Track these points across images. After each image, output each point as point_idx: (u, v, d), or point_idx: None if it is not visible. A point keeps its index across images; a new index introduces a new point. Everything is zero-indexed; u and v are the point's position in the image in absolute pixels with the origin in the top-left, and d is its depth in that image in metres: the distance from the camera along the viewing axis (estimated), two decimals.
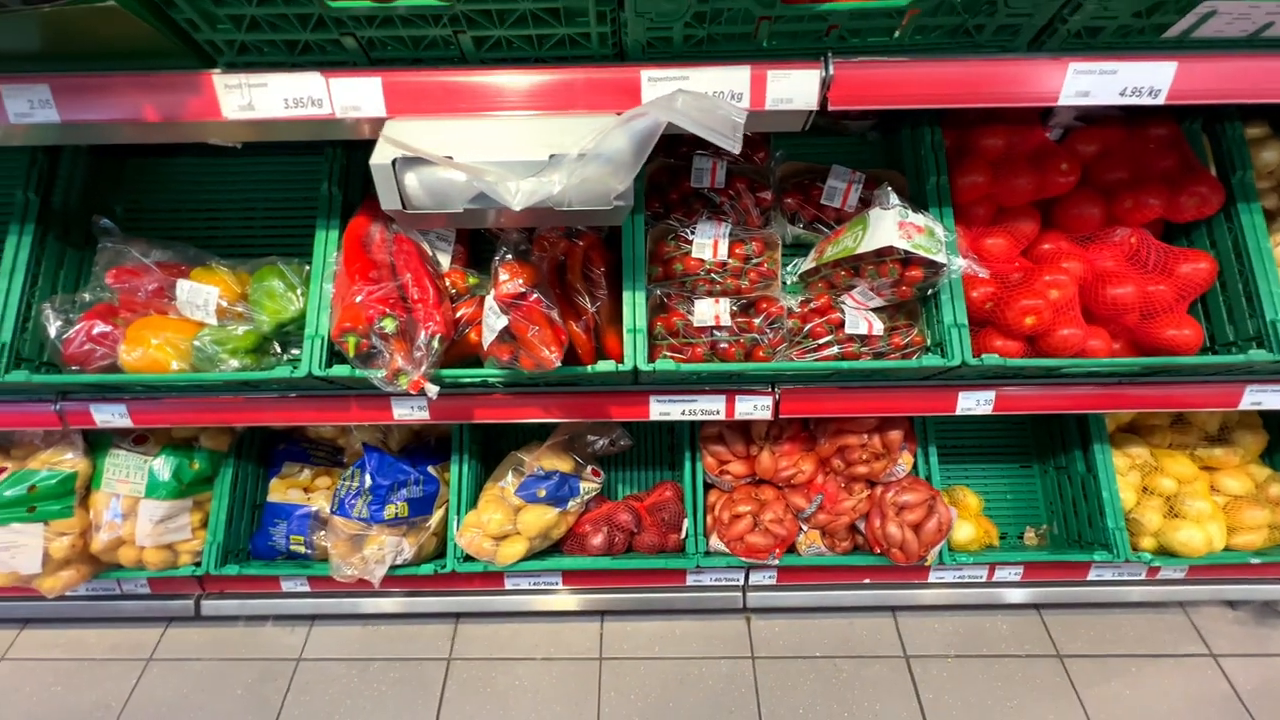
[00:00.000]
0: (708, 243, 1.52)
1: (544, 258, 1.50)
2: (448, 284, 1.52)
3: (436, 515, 1.94)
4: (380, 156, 1.09)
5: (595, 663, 2.24)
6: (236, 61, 1.13)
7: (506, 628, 2.31)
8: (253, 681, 2.17)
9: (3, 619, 2.29)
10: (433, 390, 1.32)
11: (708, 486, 2.02)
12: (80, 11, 0.97)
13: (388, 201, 1.13)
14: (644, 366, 1.39)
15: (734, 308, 1.51)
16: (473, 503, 1.95)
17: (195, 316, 1.49)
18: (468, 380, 1.47)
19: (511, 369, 1.37)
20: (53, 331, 1.46)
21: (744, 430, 1.90)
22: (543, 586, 2.07)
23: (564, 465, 1.92)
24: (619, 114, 1.12)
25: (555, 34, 1.08)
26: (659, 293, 1.55)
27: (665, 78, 1.12)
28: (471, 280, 1.56)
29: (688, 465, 1.95)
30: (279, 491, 2.02)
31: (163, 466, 1.84)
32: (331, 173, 1.51)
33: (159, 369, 1.45)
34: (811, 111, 1.14)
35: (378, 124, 1.16)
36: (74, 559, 1.81)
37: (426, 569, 1.89)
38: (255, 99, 1.12)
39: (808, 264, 1.58)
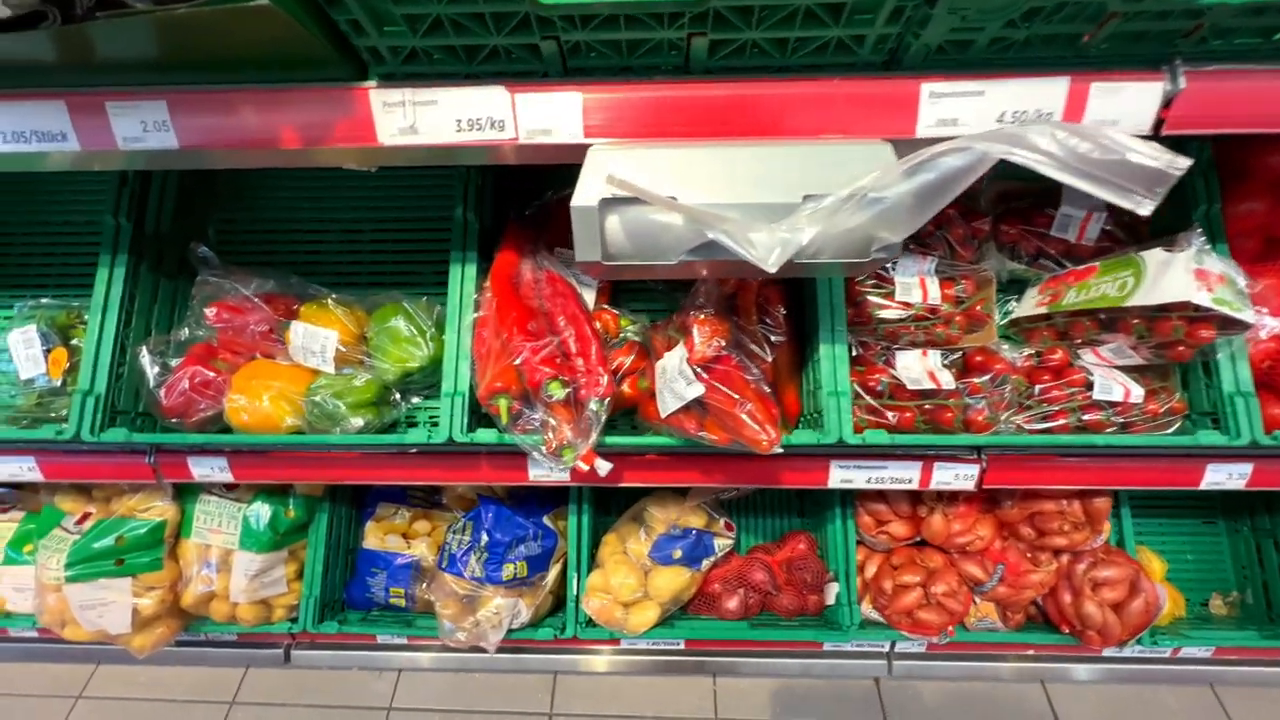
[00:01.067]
0: (913, 281, 1.25)
1: (710, 297, 1.26)
2: (599, 327, 1.29)
3: (553, 572, 1.73)
4: (585, 197, 0.85)
5: None
6: (396, 73, 0.89)
7: (608, 681, 2.12)
8: None
9: (77, 656, 2.17)
10: (605, 468, 1.10)
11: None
12: (222, 13, 0.74)
13: (586, 251, 0.88)
14: (851, 439, 1.15)
15: (944, 361, 1.25)
16: (591, 557, 1.74)
17: (309, 363, 1.28)
18: (626, 447, 1.24)
19: (693, 441, 1.14)
20: (151, 379, 1.26)
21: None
22: (661, 648, 1.86)
23: (698, 520, 1.70)
24: (884, 140, 0.86)
25: (820, 37, 0.82)
26: (849, 341, 1.30)
27: (951, 92, 0.85)
28: (625, 323, 1.32)
29: (838, 523, 1.71)
30: (376, 537, 1.83)
31: (258, 515, 1.65)
32: (466, 195, 1.27)
33: (271, 426, 1.25)
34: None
35: (566, 150, 0.92)
36: (163, 614, 1.65)
37: (545, 633, 1.68)
38: (420, 120, 0.89)
39: (1029, 309, 1.31)
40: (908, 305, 1.25)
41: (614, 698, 2.07)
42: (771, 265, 0.80)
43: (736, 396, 1.01)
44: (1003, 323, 1.39)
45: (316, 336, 1.25)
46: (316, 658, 1.98)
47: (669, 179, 0.86)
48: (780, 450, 0.98)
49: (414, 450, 1.41)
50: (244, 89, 0.90)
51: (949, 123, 0.86)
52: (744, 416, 0.99)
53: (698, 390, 1.04)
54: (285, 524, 1.69)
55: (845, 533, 1.70)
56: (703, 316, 1.08)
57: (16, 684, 2.13)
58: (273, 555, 1.68)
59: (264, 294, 1.34)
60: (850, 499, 1.73)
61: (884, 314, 1.25)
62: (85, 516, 1.65)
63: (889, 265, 1.28)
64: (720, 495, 1.87)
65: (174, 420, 1.29)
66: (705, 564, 1.70)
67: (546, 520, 1.75)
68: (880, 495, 1.67)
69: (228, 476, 1.41)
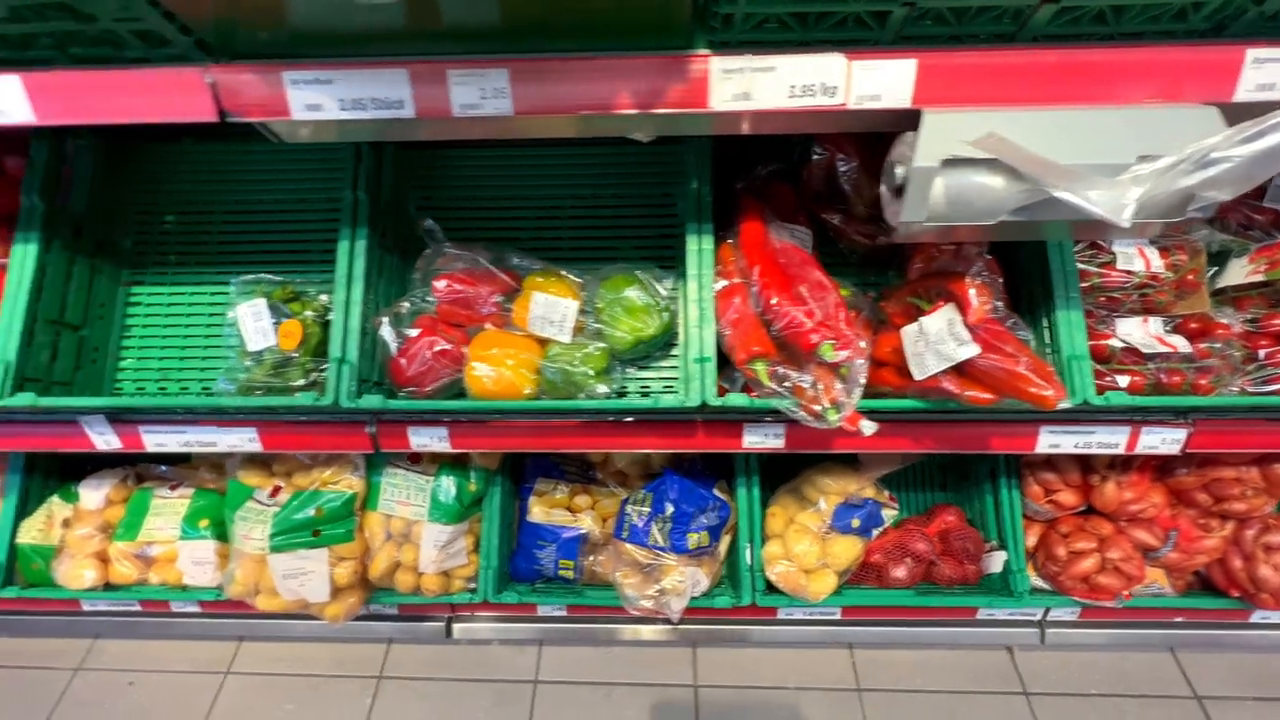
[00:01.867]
0: (1132, 251, 1.30)
1: (939, 262, 1.30)
2: None
3: (724, 542, 1.78)
4: (926, 158, 0.89)
5: (854, 694, 2.08)
6: (732, 40, 0.93)
7: (747, 654, 2.17)
8: (492, 704, 2.06)
9: (221, 635, 2.21)
10: (870, 428, 1.14)
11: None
12: None
13: (913, 212, 0.93)
14: (1094, 400, 1.19)
15: (1166, 328, 1.29)
16: (759, 528, 1.78)
17: (545, 333, 1.32)
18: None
19: (940, 403, 1.18)
20: (394, 349, 1.30)
21: (1081, 457, 1.70)
22: (818, 617, 1.91)
23: (869, 490, 1.74)
24: (1205, 105, 0.90)
25: (1163, 5, 0.86)
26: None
27: (1275, 58, 0.89)
28: (845, 292, 1.36)
29: (1003, 493, 1.75)
30: (541, 510, 1.87)
31: (447, 488, 1.69)
32: (700, 168, 1.31)
33: (514, 393, 1.29)
34: None
35: (890, 117, 0.96)
36: (354, 585, 1.69)
37: (723, 601, 1.73)
38: (755, 86, 0.93)
39: (1239, 277, 1.36)
40: (1129, 274, 1.29)
41: (756, 669, 2.12)
42: (1125, 220, 0.84)
43: (1016, 355, 1.05)
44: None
45: (557, 307, 1.29)
46: (478, 631, 2.03)
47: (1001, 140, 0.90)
48: (1066, 405, 1.02)
49: (630, 419, 1.45)
50: (582, 57, 0.93)
51: (1268, 88, 0.90)
52: (1027, 374, 1.03)
53: (971, 351, 1.08)
54: (469, 496, 1.73)
55: (1010, 503, 1.75)
56: (978, 281, 1.12)
57: (168, 661, 2.17)
58: (458, 527, 1.72)
59: (488, 268, 1.38)
60: (1014, 469, 1.78)
61: (1103, 281, 1.30)
62: (276, 490, 1.69)
63: (1106, 238, 1.33)
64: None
65: (408, 390, 1.33)
66: (875, 534, 1.75)
67: (717, 493, 1.80)
68: (1049, 465, 1.72)
69: (446, 446, 1.45)
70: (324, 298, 1.46)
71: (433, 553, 1.69)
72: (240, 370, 1.42)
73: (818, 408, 1.13)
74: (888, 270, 1.48)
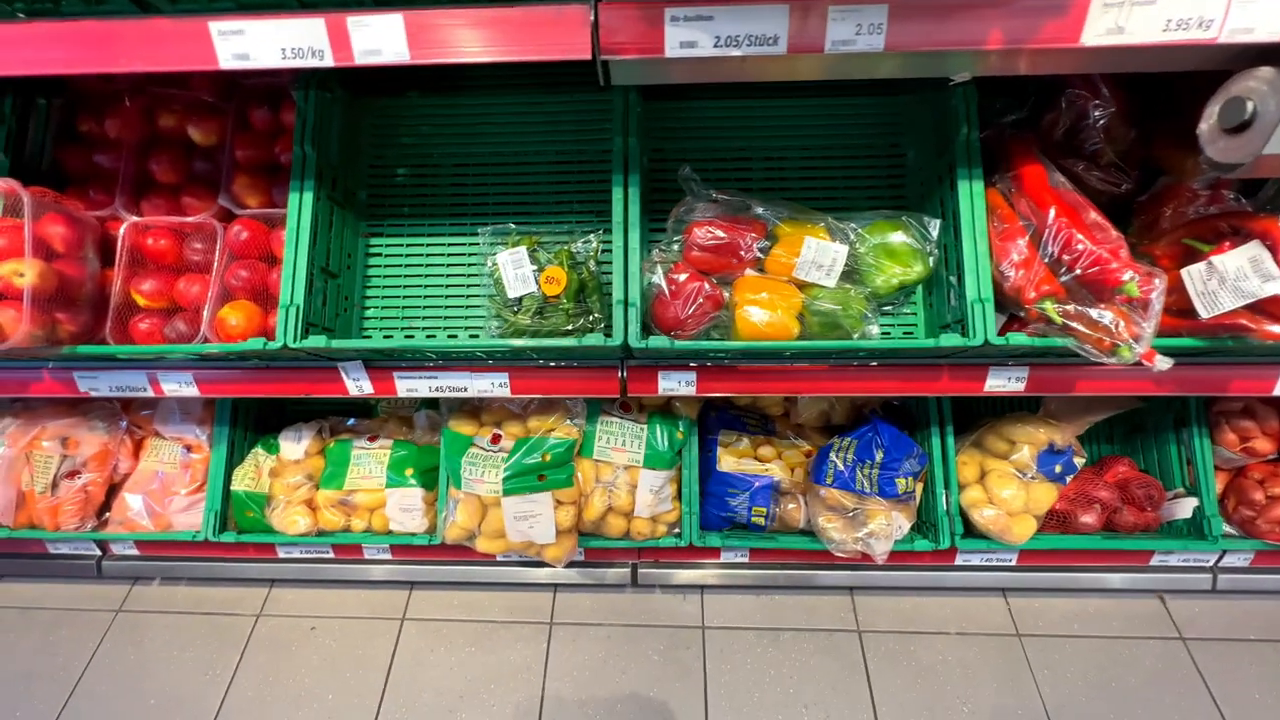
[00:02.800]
0: None
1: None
2: None
3: (918, 488, 1.84)
4: None
5: (1014, 639, 2.15)
6: None
7: (906, 601, 2.24)
8: (665, 648, 2.14)
9: (392, 580, 2.29)
10: (1165, 363, 1.18)
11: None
12: None
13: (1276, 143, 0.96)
14: None
15: None
16: (954, 474, 1.83)
17: (812, 277, 1.36)
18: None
19: (1222, 340, 1.22)
20: (666, 292, 1.34)
21: (1275, 404, 1.74)
22: (994, 563, 1.98)
23: (1062, 440, 1.80)
24: None
25: None
26: None
27: None
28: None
29: (1194, 441, 1.80)
30: (731, 460, 1.93)
31: (660, 435, 1.75)
32: (970, 114, 1.33)
33: (784, 335, 1.33)
34: None
35: (1253, 51, 0.98)
36: (571, 528, 1.75)
37: (923, 545, 1.80)
38: (1130, 20, 0.95)
39: None
40: None
41: (915, 614, 2.19)
42: None
43: None
44: None
45: (827, 251, 1.33)
46: (665, 576, 2.11)
47: None
48: None
49: (874, 364, 1.50)
50: None
51: None
52: None
53: (1276, 287, 1.12)
54: (678, 444, 1.79)
55: (1202, 450, 1.80)
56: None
57: (344, 608, 2.25)
58: (669, 473, 1.78)
59: (743, 215, 1.42)
60: (1203, 418, 1.82)
61: None
62: (496, 438, 1.75)
63: None
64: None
65: (673, 332, 1.38)
66: (1068, 480, 1.80)
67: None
68: (1247, 412, 1.76)
69: (691, 391, 1.50)
70: (568, 245, 1.50)
71: (648, 497, 1.75)
72: (495, 317, 1.47)
73: (1115, 343, 1.17)
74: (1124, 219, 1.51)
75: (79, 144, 1.58)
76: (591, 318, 1.40)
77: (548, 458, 1.67)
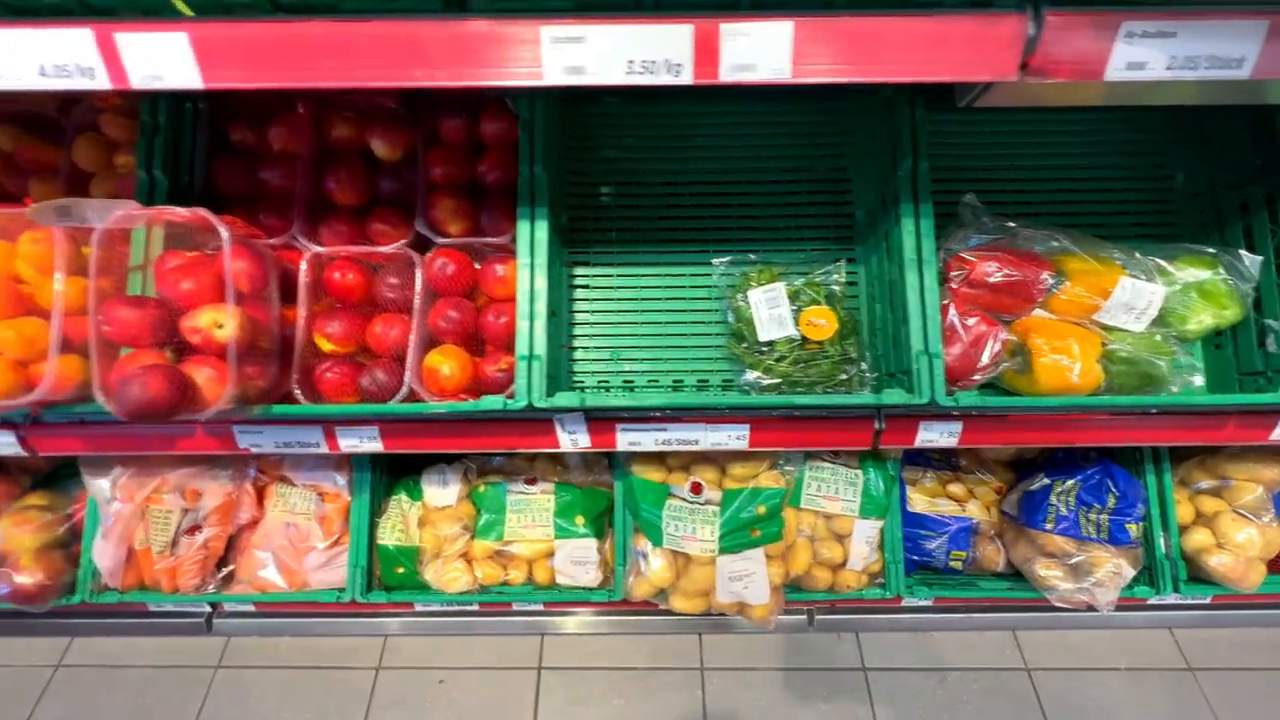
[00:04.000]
0: None
1: None
2: None
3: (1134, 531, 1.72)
4: None
5: (1188, 674, 2.08)
6: None
7: (1071, 636, 2.15)
8: (828, 693, 2.01)
9: (520, 629, 2.11)
10: None
11: None
12: None
13: None
14: None
15: None
16: (1173, 517, 1.71)
17: (1118, 321, 1.20)
18: None
19: None
20: (964, 336, 1.17)
21: None
22: (1187, 603, 1.88)
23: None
24: None
25: None
26: None
27: None
28: None
29: None
30: (923, 501, 1.79)
31: (875, 482, 1.59)
32: None
33: (1092, 385, 1.18)
34: None
35: None
36: (780, 585, 1.59)
37: (1144, 591, 1.68)
38: None
39: None
40: None
41: (1079, 650, 2.10)
42: None
43: None
44: None
45: (1142, 294, 1.17)
46: (842, 623, 1.96)
47: None
48: None
49: (1154, 411, 1.36)
50: None
51: None
52: None
53: None
54: (890, 487, 1.64)
55: None
56: None
57: (470, 658, 2.07)
58: (881, 522, 1.63)
59: (1027, 248, 1.25)
60: None
61: None
62: (696, 487, 1.57)
63: None
64: None
65: (957, 381, 1.21)
66: None
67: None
68: None
69: (952, 442, 1.34)
70: (812, 278, 1.32)
71: (863, 549, 1.60)
72: (737, 360, 1.29)
73: None
74: None
75: (236, 157, 1.33)
76: (861, 366, 1.23)
77: (762, 510, 1.50)
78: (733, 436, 1.35)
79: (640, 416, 1.34)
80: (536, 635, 2.18)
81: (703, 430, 1.35)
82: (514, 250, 1.28)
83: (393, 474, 1.88)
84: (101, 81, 0.83)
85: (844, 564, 1.62)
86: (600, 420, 1.35)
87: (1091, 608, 1.65)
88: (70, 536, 1.77)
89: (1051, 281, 1.23)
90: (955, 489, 1.83)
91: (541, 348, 1.16)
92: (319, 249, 1.26)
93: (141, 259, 1.19)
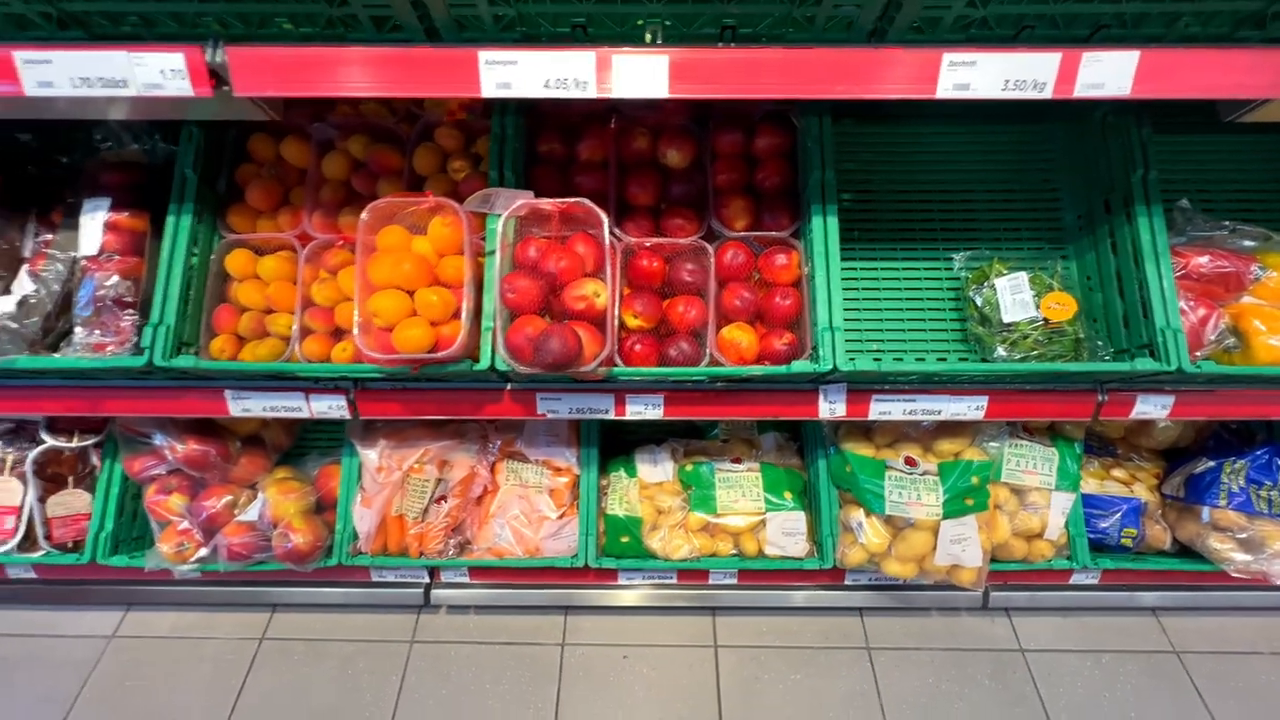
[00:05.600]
0: None
1: None
2: None
3: None
4: None
5: None
6: None
7: (1209, 621, 2.28)
8: (992, 672, 2.13)
9: (695, 606, 2.24)
10: None
11: None
12: None
13: None
14: None
15: None
16: None
17: None
18: None
19: None
20: (1194, 318, 1.38)
21: None
22: None
23: None
24: None
25: None
26: None
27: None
28: None
29: None
30: (1092, 482, 1.96)
31: (1068, 458, 1.78)
32: None
33: None
34: None
35: None
36: (988, 551, 1.75)
37: None
38: None
39: None
40: None
41: (1222, 634, 2.21)
42: None
43: None
44: None
45: None
46: (1014, 599, 2.11)
47: None
48: None
49: None
50: None
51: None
52: None
53: None
54: (1079, 464, 1.82)
55: None
56: None
57: (651, 634, 2.17)
58: (1074, 495, 1.80)
59: (1235, 244, 1.48)
60: None
61: None
62: (910, 460, 1.75)
63: None
64: None
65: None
66: None
67: None
68: None
69: (1163, 414, 1.53)
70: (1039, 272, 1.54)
71: (1059, 520, 1.77)
72: (977, 340, 1.51)
73: None
74: None
75: (547, 165, 1.57)
76: (1097, 343, 1.44)
77: (976, 481, 1.69)
78: (972, 407, 1.55)
79: (894, 387, 1.54)
80: (708, 614, 2.32)
81: (946, 401, 1.54)
82: (791, 243, 1.52)
83: (602, 453, 2.07)
84: (589, 92, 1.07)
85: (1040, 534, 1.79)
86: (858, 390, 1.55)
87: (1263, 580, 1.81)
88: (319, 506, 1.95)
89: (1259, 272, 1.45)
90: (1119, 473, 2.01)
91: (839, 320, 1.37)
92: (630, 240, 1.48)
93: (499, 241, 1.38)
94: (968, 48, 1.04)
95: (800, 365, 1.35)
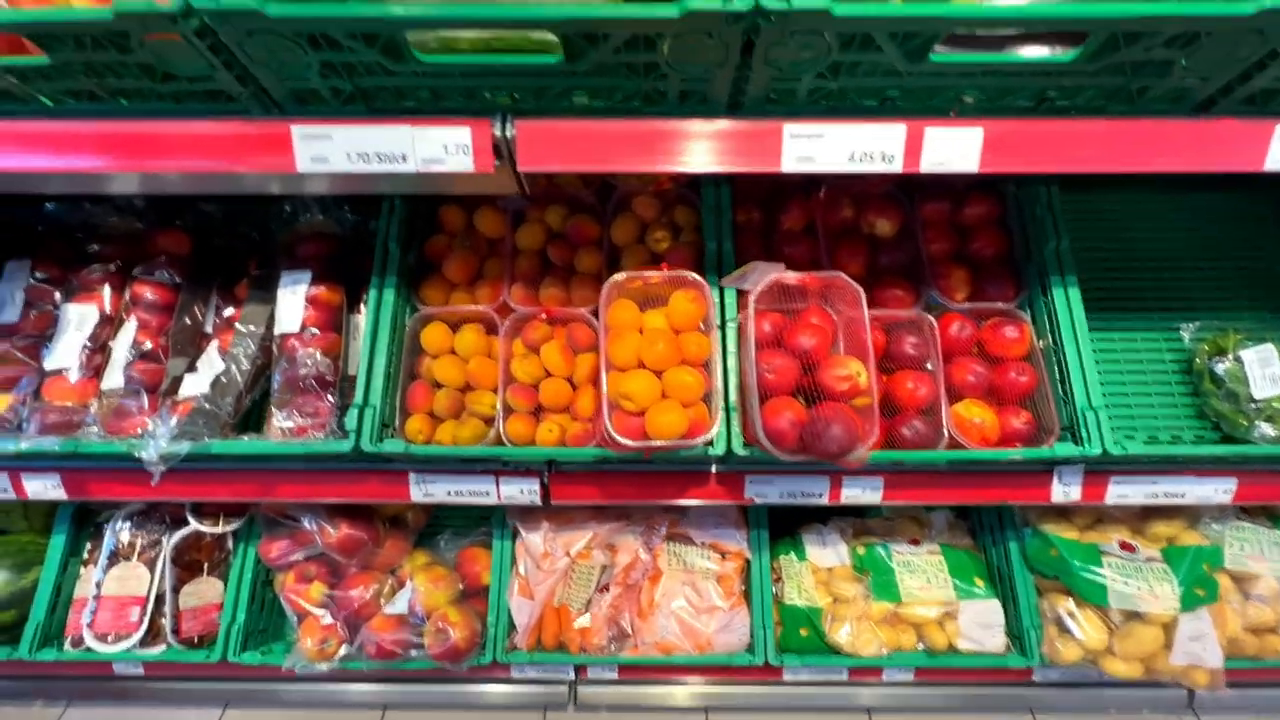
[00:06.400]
0: None
1: None
2: None
3: None
4: None
5: None
6: None
7: None
8: None
9: (860, 707, 2.03)
10: None
11: None
12: None
13: None
14: None
15: None
16: None
17: None
18: None
19: None
20: None
21: None
22: None
23: None
24: None
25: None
26: None
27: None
28: None
29: None
30: None
31: None
32: None
33: None
34: None
35: None
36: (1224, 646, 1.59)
37: None
38: None
39: None
40: None
41: None
42: None
43: None
44: None
45: None
46: (1221, 699, 1.91)
47: None
48: None
49: None
50: None
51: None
52: None
53: None
54: None
55: None
56: None
57: None
58: None
59: None
60: None
61: None
62: (1126, 545, 1.61)
63: None
64: None
65: None
66: None
67: None
68: None
69: None
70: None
71: None
72: (1219, 416, 1.41)
73: None
74: None
75: (746, 234, 1.51)
76: None
77: (1208, 569, 1.54)
78: (1219, 490, 1.42)
79: (1134, 468, 1.42)
80: (863, 713, 2.11)
81: (1191, 483, 1.42)
82: (1017, 315, 1.44)
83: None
84: (894, 166, 1.01)
85: (1273, 629, 1.62)
86: (1096, 472, 1.43)
87: None
88: (463, 593, 1.80)
89: None
90: None
91: (1099, 399, 1.27)
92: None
93: (751, 317, 1.28)
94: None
95: (1065, 449, 1.24)
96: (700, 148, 0.98)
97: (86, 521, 1.87)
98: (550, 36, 0.89)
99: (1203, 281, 1.62)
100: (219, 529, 1.69)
